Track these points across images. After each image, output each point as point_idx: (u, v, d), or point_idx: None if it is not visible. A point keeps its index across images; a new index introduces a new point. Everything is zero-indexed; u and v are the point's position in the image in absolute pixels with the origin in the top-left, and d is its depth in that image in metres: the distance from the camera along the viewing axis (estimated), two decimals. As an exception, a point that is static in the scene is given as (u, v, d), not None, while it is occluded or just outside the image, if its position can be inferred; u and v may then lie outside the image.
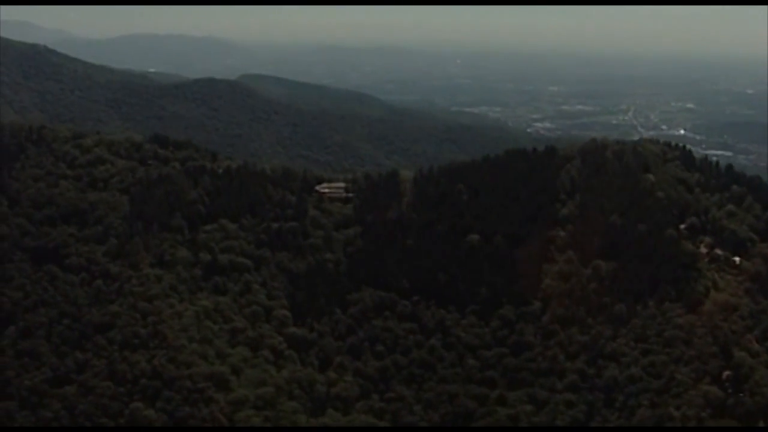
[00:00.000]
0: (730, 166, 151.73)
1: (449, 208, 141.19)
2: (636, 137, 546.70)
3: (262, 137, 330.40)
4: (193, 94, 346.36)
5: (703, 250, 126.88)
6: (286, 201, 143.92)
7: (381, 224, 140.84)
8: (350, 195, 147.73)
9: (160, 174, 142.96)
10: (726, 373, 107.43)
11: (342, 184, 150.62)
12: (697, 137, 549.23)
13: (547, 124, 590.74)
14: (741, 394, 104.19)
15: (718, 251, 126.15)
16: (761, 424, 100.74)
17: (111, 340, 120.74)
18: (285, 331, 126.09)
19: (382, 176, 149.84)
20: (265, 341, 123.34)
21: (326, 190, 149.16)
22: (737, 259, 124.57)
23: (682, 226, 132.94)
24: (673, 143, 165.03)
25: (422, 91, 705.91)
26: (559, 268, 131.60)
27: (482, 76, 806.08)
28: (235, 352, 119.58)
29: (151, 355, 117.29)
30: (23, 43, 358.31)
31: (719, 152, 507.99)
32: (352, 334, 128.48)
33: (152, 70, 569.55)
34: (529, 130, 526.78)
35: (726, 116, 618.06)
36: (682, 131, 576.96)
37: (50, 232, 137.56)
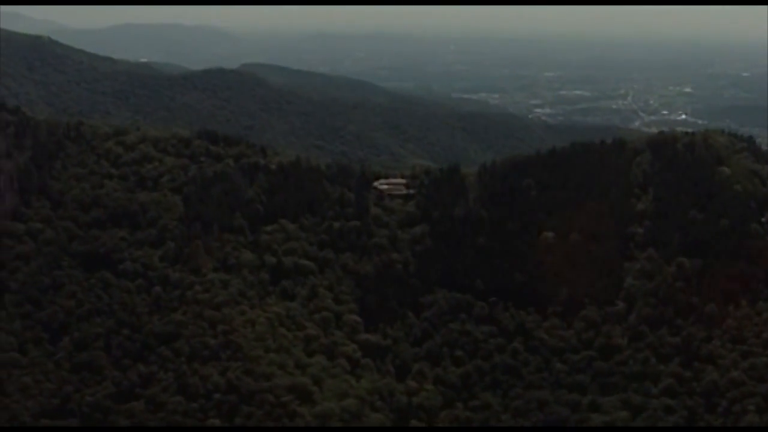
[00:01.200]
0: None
1: (519, 205, 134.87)
2: (637, 122, 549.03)
3: (275, 127, 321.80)
4: (202, 85, 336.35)
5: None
6: (345, 199, 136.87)
7: (448, 222, 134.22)
8: (411, 191, 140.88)
9: (214, 172, 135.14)
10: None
11: (402, 180, 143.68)
12: (699, 122, 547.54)
13: (548, 110, 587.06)
14: None
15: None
16: None
17: (177, 352, 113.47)
18: (358, 337, 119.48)
19: (444, 171, 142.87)
20: (340, 349, 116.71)
21: (385, 187, 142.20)
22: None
23: (763, 220, 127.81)
24: (738, 134, 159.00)
25: (418, 77, 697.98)
26: (641, 266, 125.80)
27: (477, 61, 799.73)
28: (314, 361, 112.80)
29: (224, 367, 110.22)
30: (26, 34, 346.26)
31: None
32: (429, 339, 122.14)
33: (144, 60, 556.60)
34: (530, 116, 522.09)
35: (725, 100, 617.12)
36: (683, 116, 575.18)
37: (100, 236, 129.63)
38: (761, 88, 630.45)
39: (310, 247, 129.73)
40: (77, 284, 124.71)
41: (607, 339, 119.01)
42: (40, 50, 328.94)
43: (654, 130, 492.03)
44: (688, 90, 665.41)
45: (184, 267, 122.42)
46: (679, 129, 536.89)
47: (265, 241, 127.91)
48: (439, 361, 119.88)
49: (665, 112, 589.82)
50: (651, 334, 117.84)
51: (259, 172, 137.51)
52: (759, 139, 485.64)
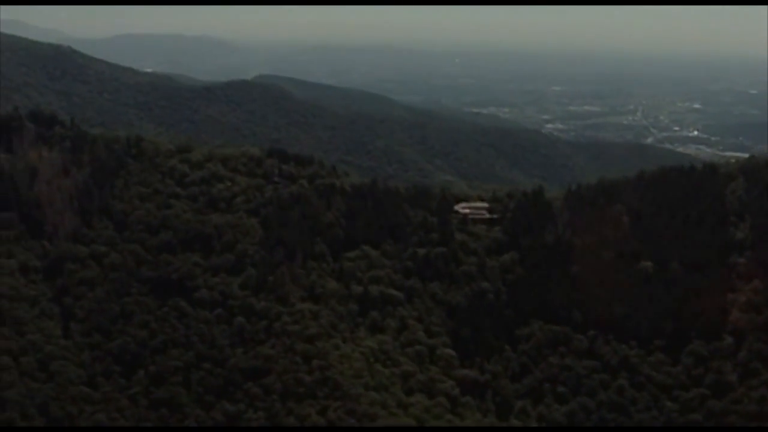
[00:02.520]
0: None
1: (611, 231, 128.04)
2: (650, 139, 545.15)
3: (302, 141, 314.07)
4: (225, 97, 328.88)
5: None
6: (427, 223, 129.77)
7: (539, 249, 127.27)
8: (495, 216, 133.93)
9: (291, 194, 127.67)
10: None
11: (484, 204, 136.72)
12: (712, 138, 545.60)
13: (559, 125, 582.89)
14: None
15: None
16: None
17: (268, 389, 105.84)
18: (455, 373, 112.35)
19: (528, 195, 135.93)
20: (438, 386, 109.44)
21: (467, 211, 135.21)
22: None
23: None
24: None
25: (425, 91, 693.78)
26: (747, 299, 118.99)
27: (482, 75, 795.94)
28: (414, 400, 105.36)
29: (323, 405, 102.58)
30: (48, 44, 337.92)
31: (737, 154, 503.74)
32: (528, 374, 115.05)
33: (149, 70, 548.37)
34: (544, 132, 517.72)
35: (735, 117, 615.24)
36: (695, 132, 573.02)
37: (171, 261, 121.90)
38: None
39: (396, 275, 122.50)
40: (149, 313, 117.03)
41: (718, 375, 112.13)
42: (61, 60, 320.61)
43: (671, 146, 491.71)
44: (696, 106, 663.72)
45: (269, 296, 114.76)
46: (695, 146, 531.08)
47: (349, 268, 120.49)
48: (542, 397, 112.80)
49: (677, 128, 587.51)
50: (765, 371, 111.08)
51: (336, 194, 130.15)
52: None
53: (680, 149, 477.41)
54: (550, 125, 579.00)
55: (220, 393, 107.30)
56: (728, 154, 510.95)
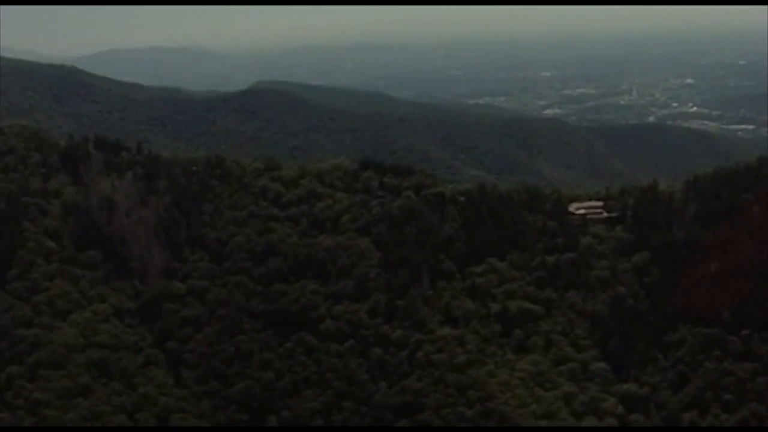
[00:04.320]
0: None
1: (743, 223, 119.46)
2: (651, 118, 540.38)
3: (324, 147, 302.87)
4: (240, 107, 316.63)
5: None
6: (548, 228, 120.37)
7: (671, 248, 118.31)
8: (613, 215, 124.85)
9: (401, 208, 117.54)
10: None
11: (598, 203, 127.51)
12: (714, 113, 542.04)
13: (557, 110, 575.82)
14: None
15: None
16: None
17: (424, 425, 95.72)
18: (614, 389, 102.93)
19: (644, 191, 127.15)
20: (602, 406, 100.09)
21: (582, 211, 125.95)
22: None
23: None
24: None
25: (415, 85, 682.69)
26: None
27: (469, 66, 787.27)
28: (586, 424, 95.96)
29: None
30: (49, 64, 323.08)
31: (741, 126, 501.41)
32: (687, 383, 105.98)
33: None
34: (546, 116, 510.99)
35: (731, 89, 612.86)
36: (694, 108, 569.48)
37: (286, 291, 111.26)
38: (762, 75, 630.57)
39: (529, 287, 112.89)
40: (270, 351, 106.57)
41: None
42: (66, 80, 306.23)
43: (683, 123, 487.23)
44: (689, 81, 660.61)
45: (403, 323, 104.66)
46: (698, 121, 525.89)
47: (481, 285, 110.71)
48: (707, 407, 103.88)
49: (675, 104, 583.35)
50: None
51: (447, 205, 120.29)
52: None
53: (686, 126, 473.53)
54: (548, 111, 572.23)
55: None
56: (733, 127, 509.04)
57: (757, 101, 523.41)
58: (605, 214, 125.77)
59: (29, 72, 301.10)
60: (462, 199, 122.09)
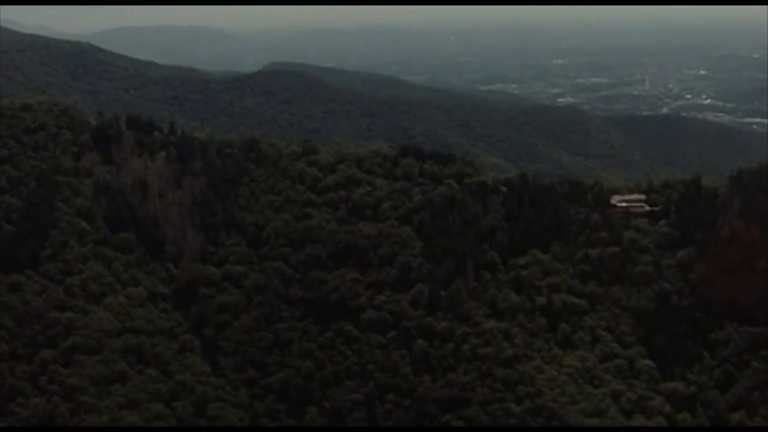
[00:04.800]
0: None
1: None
2: (665, 109, 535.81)
3: (341, 130, 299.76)
4: (258, 88, 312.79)
5: None
6: (590, 221, 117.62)
7: (716, 244, 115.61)
8: (655, 209, 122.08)
9: (443, 196, 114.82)
10: None
11: (641, 196, 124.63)
12: (728, 105, 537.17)
13: (570, 99, 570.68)
14: None
15: None
16: None
17: (470, 420, 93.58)
18: (661, 387, 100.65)
19: (688, 184, 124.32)
20: (650, 404, 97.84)
21: (624, 204, 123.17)
22: None
23: None
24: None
25: (426, 70, 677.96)
26: None
27: (481, 52, 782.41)
28: (635, 423, 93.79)
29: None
30: (66, 41, 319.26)
31: (756, 120, 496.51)
32: (734, 384, 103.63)
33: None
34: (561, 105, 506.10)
35: (744, 82, 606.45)
36: (708, 100, 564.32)
37: (325, 279, 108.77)
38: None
39: (572, 281, 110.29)
40: (310, 340, 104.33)
41: None
42: (82, 57, 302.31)
43: (695, 115, 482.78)
44: (703, 72, 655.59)
45: (447, 314, 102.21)
46: (712, 114, 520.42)
47: (525, 277, 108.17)
48: (755, 408, 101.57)
49: (689, 96, 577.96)
50: None
51: (490, 194, 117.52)
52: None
53: (701, 117, 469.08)
54: (561, 99, 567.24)
55: (414, 428, 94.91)
56: (747, 120, 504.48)
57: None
58: (647, 208, 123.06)
59: (45, 48, 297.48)
60: (504, 188, 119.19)
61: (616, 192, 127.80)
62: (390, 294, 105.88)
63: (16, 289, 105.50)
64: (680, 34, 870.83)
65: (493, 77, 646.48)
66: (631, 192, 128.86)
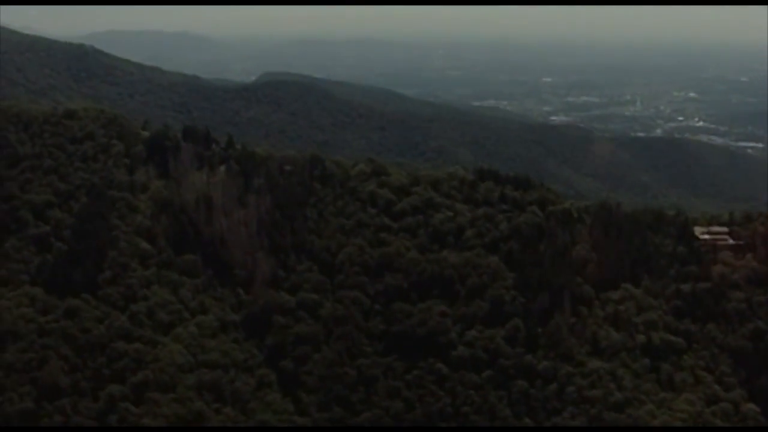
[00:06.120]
0: None
1: None
2: (659, 130, 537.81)
3: (351, 144, 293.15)
4: (266, 98, 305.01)
5: None
6: (677, 253, 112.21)
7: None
8: (740, 242, 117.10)
9: (530, 224, 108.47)
10: None
11: (723, 228, 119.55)
12: (721, 128, 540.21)
13: (563, 117, 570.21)
14: None
15: None
16: None
17: None
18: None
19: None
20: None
21: (707, 237, 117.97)
22: None
23: None
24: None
25: (416, 84, 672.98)
26: None
27: (469, 67, 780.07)
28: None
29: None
30: (68, 43, 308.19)
31: (750, 144, 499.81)
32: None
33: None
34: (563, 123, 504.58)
35: (734, 105, 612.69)
36: (700, 122, 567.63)
37: (409, 311, 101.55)
38: (764, 92, 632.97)
39: (667, 317, 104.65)
40: (397, 378, 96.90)
41: None
42: (85, 60, 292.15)
43: (689, 137, 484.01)
44: (692, 95, 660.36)
45: (548, 353, 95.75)
46: (706, 136, 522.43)
47: (622, 313, 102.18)
48: None
49: (681, 118, 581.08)
50: None
51: (575, 223, 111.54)
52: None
53: (696, 140, 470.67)
54: (554, 117, 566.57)
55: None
56: (742, 144, 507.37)
57: (762, 119, 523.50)
58: (731, 241, 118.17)
59: (48, 49, 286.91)
60: (589, 218, 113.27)
61: (695, 223, 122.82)
62: (482, 329, 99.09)
63: (74, 315, 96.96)
64: (667, 56, 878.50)
65: (484, 93, 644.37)
66: (709, 223, 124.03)
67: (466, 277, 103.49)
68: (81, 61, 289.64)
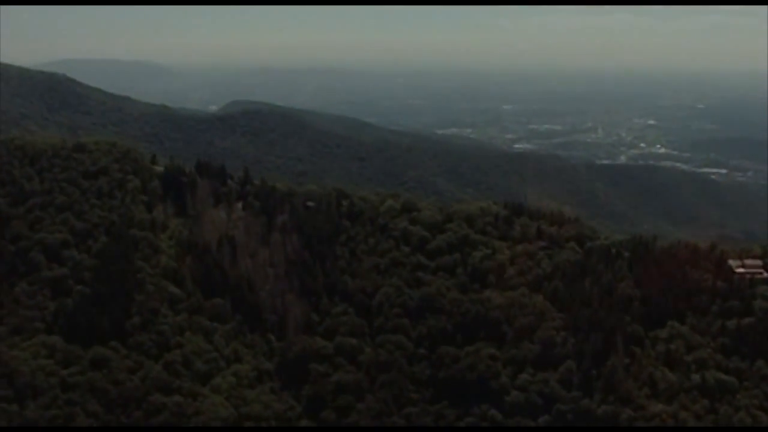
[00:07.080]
0: None
1: None
2: (623, 157, 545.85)
3: (330, 174, 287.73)
4: (241, 128, 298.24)
5: None
6: (718, 288, 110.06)
7: None
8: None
9: (572, 262, 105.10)
10: None
11: (758, 261, 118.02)
12: (684, 155, 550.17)
13: (526, 145, 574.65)
14: None
15: None
16: None
17: None
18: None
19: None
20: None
21: (741, 270, 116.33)
22: None
23: None
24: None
25: (377, 112, 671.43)
26: None
27: (429, 95, 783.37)
28: None
29: None
30: (40, 71, 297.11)
31: (713, 170, 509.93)
32: None
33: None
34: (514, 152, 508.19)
35: (694, 132, 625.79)
36: (662, 149, 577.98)
37: (456, 355, 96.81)
38: (723, 119, 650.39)
39: (716, 355, 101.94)
40: (449, 426, 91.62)
41: None
42: (58, 88, 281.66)
43: (653, 164, 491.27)
44: (651, 122, 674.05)
45: (607, 396, 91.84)
46: (671, 163, 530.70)
47: (673, 352, 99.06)
48: None
49: (643, 145, 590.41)
50: None
51: (616, 259, 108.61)
52: (751, 172, 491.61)
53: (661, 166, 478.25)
54: (518, 145, 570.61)
55: None
56: (705, 170, 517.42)
57: (723, 145, 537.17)
58: (766, 274, 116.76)
59: (19, 77, 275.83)
60: (627, 254, 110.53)
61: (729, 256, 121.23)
62: (534, 372, 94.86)
63: (102, 365, 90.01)
64: (622, 84, 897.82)
65: (446, 121, 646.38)
66: (741, 257, 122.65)
67: (512, 318, 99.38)
68: (53, 89, 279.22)
